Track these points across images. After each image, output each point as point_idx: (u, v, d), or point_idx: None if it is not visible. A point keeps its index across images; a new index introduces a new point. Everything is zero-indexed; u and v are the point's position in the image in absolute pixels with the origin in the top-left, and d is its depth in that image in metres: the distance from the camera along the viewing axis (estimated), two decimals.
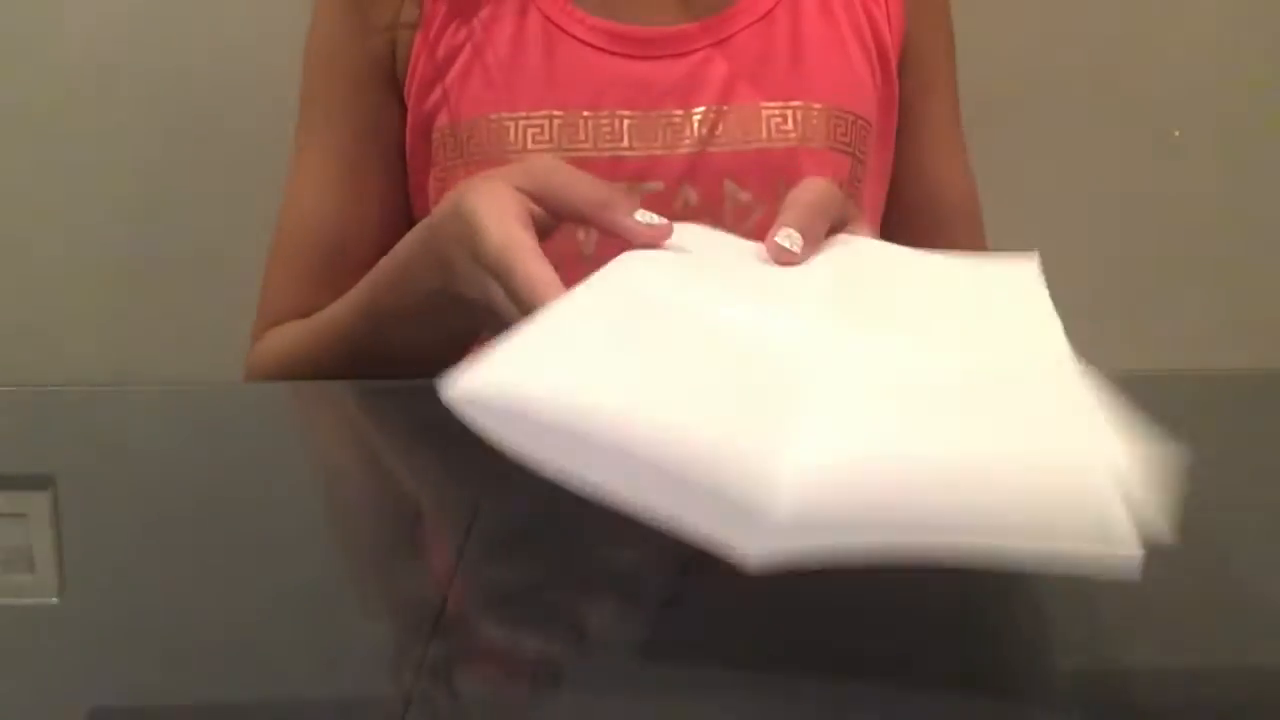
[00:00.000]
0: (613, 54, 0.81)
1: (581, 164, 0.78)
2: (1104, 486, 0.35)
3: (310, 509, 0.51)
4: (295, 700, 0.35)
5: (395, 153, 0.85)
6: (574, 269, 0.54)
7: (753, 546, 0.33)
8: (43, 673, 0.36)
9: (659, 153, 0.80)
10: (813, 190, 0.63)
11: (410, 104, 0.83)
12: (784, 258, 0.58)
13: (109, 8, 1.14)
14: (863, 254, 0.63)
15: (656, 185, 0.80)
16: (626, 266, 0.53)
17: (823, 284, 0.56)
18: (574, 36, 0.81)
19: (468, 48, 0.81)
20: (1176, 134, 1.25)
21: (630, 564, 0.45)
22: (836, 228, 0.65)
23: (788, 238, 0.59)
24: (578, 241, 0.78)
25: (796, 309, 0.52)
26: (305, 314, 0.80)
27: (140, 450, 0.56)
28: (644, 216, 0.58)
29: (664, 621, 0.38)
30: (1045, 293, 0.56)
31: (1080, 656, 0.36)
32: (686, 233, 0.62)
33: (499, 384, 0.36)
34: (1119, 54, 1.24)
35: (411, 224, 0.85)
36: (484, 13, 0.81)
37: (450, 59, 0.81)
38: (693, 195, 0.80)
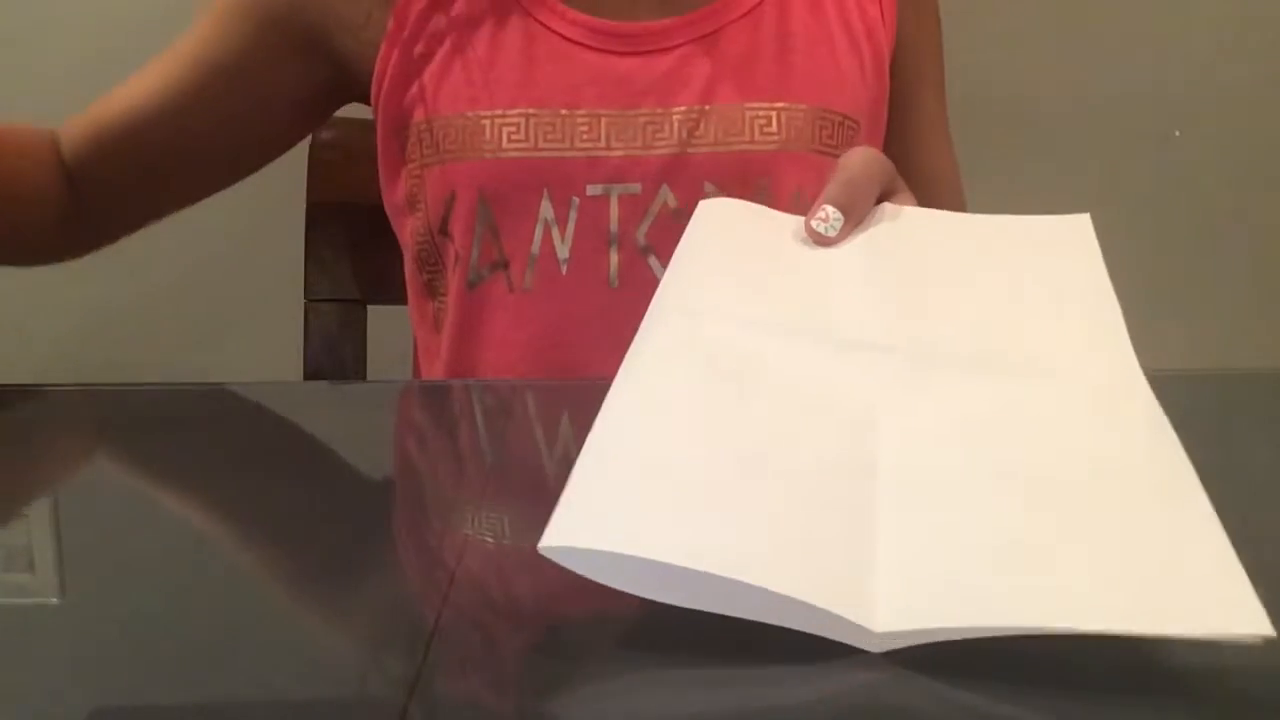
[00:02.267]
0: (592, 49, 0.79)
1: (558, 163, 0.78)
2: (1217, 565, 0.36)
3: (311, 508, 0.51)
4: (295, 701, 0.35)
5: (249, 103, 0.84)
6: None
7: (866, 646, 0.36)
8: (43, 673, 0.36)
9: (637, 153, 0.78)
10: (857, 163, 0.63)
11: (381, 101, 0.81)
12: (822, 242, 0.59)
13: (108, 8, 1.14)
14: (913, 231, 0.62)
15: (634, 187, 0.78)
16: (661, 364, 0.50)
17: (874, 285, 0.56)
18: (554, 31, 0.79)
19: (447, 42, 0.79)
20: (1177, 134, 1.26)
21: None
22: (884, 197, 0.64)
23: (824, 220, 0.59)
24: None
25: (853, 341, 0.51)
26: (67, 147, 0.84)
27: (140, 450, 0.56)
28: None
29: (668, 621, 0.38)
30: (1099, 257, 0.56)
31: (1080, 656, 0.36)
32: (720, 217, 0.61)
33: (582, 538, 0.37)
34: (1119, 54, 1.24)
35: (378, 214, 0.86)
36: (464, 7, 0.80)
37: (429, 54, 0.80)
38: (672, 198, 0.78)
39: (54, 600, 0.41)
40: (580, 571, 0.37)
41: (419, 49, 0.80)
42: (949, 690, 0.34)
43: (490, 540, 0.46)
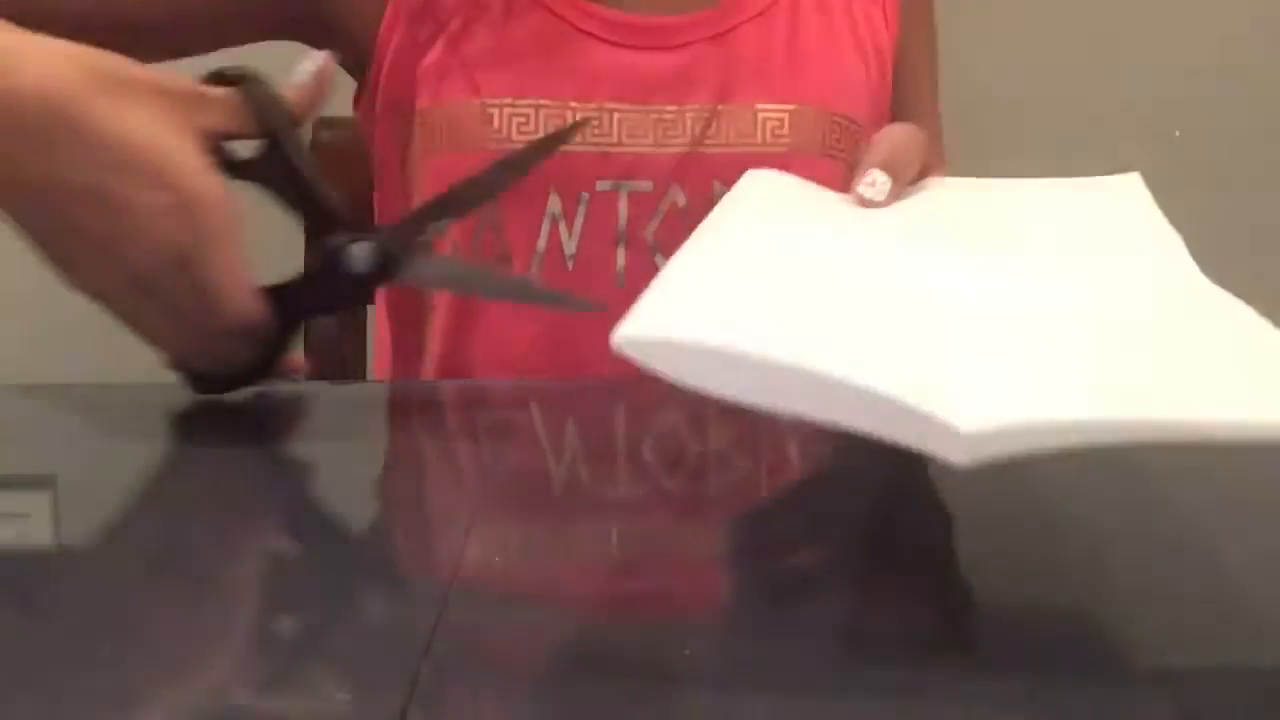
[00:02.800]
0: (606, 42, 0.78)
1: (568, 157, 0.77)
2: None
3: (311, 508, 0.51)
4: (295, 702, 0.35)
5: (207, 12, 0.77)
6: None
7: (952, 455, 0.34)
8: (39, 672, 0.36)
9: (648, 150, 0.78)
10: (899, 133, 0.63)
11: (381, 84, 0.80)
12: (870, 206, 0.59)
13: None
14: (960, 192, 0.62)
15: (645, 184, 0.78)
16: (747, 212, 0.53)
17: (931, 224, 0.57)
18: (567, 21, 0.78)
19: (454, 27, 0.78)
20: (1177, 134, 1.25)
21: (632, 564, 0.45)
22: (924, 172, 0.64)
23: (871, 185, 0.59)
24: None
25: (923, 245, 0.53)
26: None
27: (140, 450, 0.56)
28: None
29: (671, 622, 0.38)
30: (1153, 204, 0.59)
31: (1079, 655, 0.36)
32: (766, 179, 0.61)
33: (666, 327, 0.37)
34: (1119, 54, 1.23)
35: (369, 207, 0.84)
36: None
37: (435, 38, 0.78)
38: (681, 197, 0.78)
39: (50, 600, 0.41)
40: (647, 367, 0.36)
41: (425, 32, 0.78)
42: (954, 689, 0.34)
43: (491, 541, 0.46)
